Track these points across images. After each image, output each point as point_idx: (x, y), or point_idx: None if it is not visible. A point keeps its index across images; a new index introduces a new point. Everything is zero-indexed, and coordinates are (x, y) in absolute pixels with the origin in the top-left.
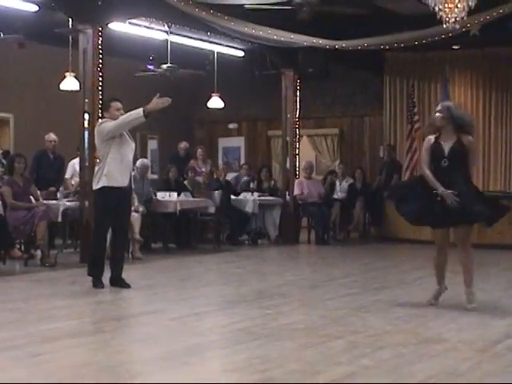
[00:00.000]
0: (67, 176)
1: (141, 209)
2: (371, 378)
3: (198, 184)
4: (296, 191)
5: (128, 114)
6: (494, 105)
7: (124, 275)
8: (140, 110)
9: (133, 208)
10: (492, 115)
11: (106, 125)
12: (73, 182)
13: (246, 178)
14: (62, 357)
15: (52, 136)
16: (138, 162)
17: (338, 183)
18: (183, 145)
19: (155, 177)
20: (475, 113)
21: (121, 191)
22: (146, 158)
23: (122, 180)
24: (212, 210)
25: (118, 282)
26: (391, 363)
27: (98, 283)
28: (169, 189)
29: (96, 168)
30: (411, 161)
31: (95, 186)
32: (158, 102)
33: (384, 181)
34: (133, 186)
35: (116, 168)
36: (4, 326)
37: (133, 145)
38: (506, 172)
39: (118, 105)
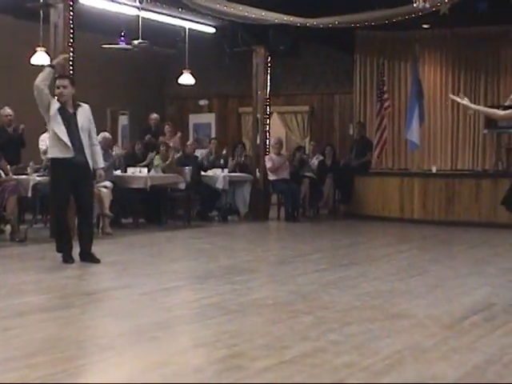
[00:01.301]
0: (42, 149)
1: (107, 183)
2: (339, 353)
3: (172, 160)
4: (268, 164)
5: (43, 72)
6: (462, 83)
7: (94, 250)
8: (46, 67)
9: (103, 183)
10: (461, 94)
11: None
12: (43, 157)
13: (211, 156)
14: (31, 331)
15: (7, 110)
16: (100, 136)
17: (307, 160)
18: (153, 116)
19: (124, 152)
20: (444, 92)
21: (73, 164)
22: (107, 132)
23: (67, 151)
24: (182, 186)
25: (87, 257)
26: (358, 338)
27: (67, 258)
28: (135, 162)
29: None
30: (381, 138)
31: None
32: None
33: (354, 158)
34: (102, 163)
35: (59, 140)
36: None
37: (80, 118)
38: (474, 149)
39: (58, 82)
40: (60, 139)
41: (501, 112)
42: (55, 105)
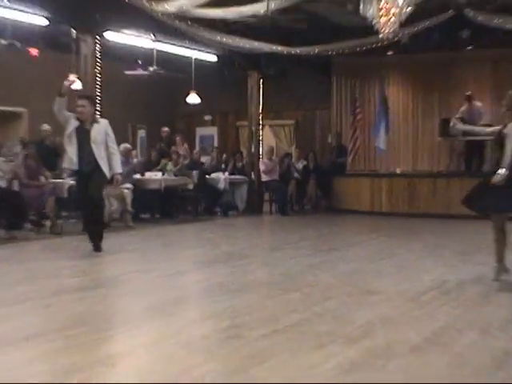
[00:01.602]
0: None
1: (129, 185)
2: (321, 323)
3: (181, 165)
4: (262, 168)
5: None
6: (420, 101)
7: (118, 241)
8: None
9: (125, 185)
10: (419, 109)
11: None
12: None
13: (213, 162)
14: (67, 307)
15: (46, 126)
16: (121, 146)
17: (293, 164)
18: (165, 129)
19: (143, 159)
20: (406, 107)
21: (82, 173)
22: (128, 144)
23: (72, 164)
24: (190, 186)
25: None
26: (337, 311)
27: (96, 248)
28: (151, 168)
29: None
30: (354, 145)
31: None
32: (64, 84)
33: (332, 162)
34: (120, 169)
35: (67, 154)
36: (20, 282)
37: (94, 133)
38: (431, 154)
39: (79, 102)
40: (67, 154)
41: (487, 129)
42: (73, 124)
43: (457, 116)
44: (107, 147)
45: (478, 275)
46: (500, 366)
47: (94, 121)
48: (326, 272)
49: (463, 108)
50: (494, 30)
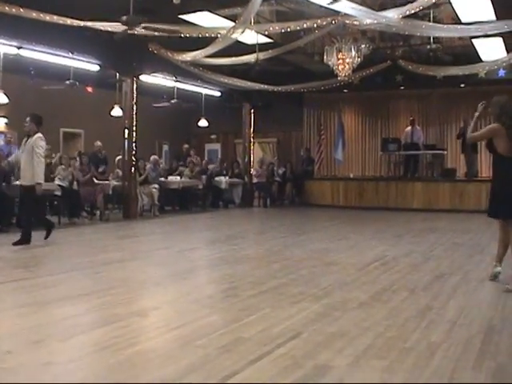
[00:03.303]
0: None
1: (156, 185)
2: (295, 286)
3: (196, 171)
4: (253, 173)
5: (40, 169)
6: (367, 125)
7: (148, 226)
8: (39, 180)
9: (153, 185)
10: (367, 132)
11: (43, 144)
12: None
13: (217, 169)
14: (112, 274)
15: (98, 143)
16: (151, 157)
17: (275, 171)
18: (185, 146)
19: (167, 167)
20: (357, 130)
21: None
22: (156, 155)
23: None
24: (201, 186)
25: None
26: (307, 277)
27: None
28: (173, 173)
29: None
30: (319, 157)
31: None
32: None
33: (303, 169)
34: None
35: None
36: (78, 255)
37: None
38: (375, 163)
39: (27, 119)
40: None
41: (475, 133)
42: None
43: (402, 137)
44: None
45: (408, 251)
46: (423, 316)
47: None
48: (298, 249)
49: (408, 129)
50: (419, 76)
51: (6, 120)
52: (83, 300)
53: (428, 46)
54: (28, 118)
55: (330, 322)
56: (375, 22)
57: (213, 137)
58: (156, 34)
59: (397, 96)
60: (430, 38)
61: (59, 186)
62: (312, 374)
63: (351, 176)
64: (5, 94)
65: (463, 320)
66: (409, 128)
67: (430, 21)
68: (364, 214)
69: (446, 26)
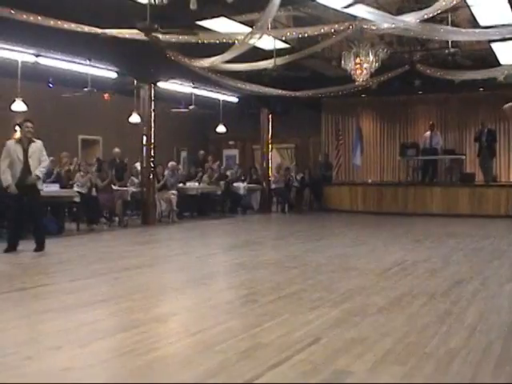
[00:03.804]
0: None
1: (174, 191)
2: (314, 291)
3: (214, 177)
4: (272, 178)
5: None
6: (385, 130)
7: (166, 232)
8: (7, 182)
9: (171, 191)
10: (385, 136)
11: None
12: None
13: (235, 175)
14: (131, 280)
15: (116, 150)
16: (169, 163)
17: (293, 177)
18: (201, 152)
19: (185, 173)
20: (375, 135)
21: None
22: (174, 161)
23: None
24: (219, 192)
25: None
26: (326, 282)
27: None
28: (191, 179)
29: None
30: (337, 163)
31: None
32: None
33: (322, 175)
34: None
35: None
36: (97, 261)
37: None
38: (393, 169)
39: (29, 124)
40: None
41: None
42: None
43: (421, 141)
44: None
45: (427, 256)
46: (442, 322)
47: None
48: (317, 254)
49: (427, 133)
50: (437, 80)
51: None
52: (102, 306)
53: (446, 50)
54: (30, 124)
55: (349, 327)
56: (393, 26)
57: (231, 143)
58: (173, 40)
59: (415, 100)
60: (448, 41)
61: (78, 192)
62: (331, 380)
63: (370, 181)
64: (23, 101)
65: (483, 326)
66: (428, 133)
67: (448, 24)
68: (383, 219)
69: (464, 30)
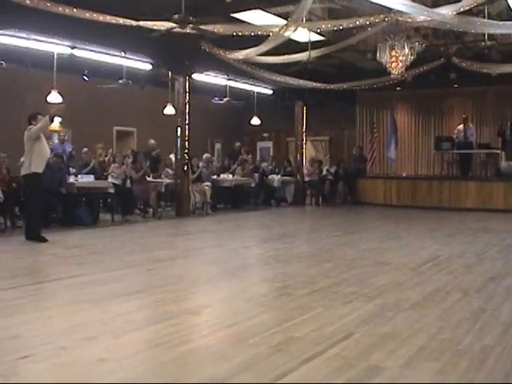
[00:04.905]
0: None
1: (208, 183)
2: (348, 285)
3: (247, 169)
4: (305, 171)
5: (44, 120)
6: (420, 123)
7: (200, 224)
8: (47, 117)
9: (205, 183)
10: (419, 129)
11: (33, 129)
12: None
13: (270, 167)
14: (165, 272)
15: (152, 141)
16: (204, 156)
17: (326, 169)
18: (237, 144)
19: (219, 165)
20: (410, 128)
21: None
22: (209, 153)
23: (42, 167)
24: (253, 184)
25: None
26: (360, 277)
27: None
28: (225, 171)
29: (24, 158)
30: (372, 156)
31: (26, 172)
32: (55, 109)
33: (356, 168)
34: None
35: (40, 159)
36: (132, 252)
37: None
38: (428, 162)
39: (40, 117)
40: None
41: None
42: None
43: (455, 134)
44: None
45: (462, 251)
46: (476, 318)
47: None
48: (351, 248)
49: (460, 126)
50: (473, 73)
51: (60, 119)
52: (136, 297)
53: (483, 43)
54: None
55: (382, 322)
56: (429, 19)
57: (265, 135)
58: (215, 30)
59: (450, 94)
60: (484, 34)
61: (112, 183)
62: (364, 375)
63: (404, 175)
64: (59, 93)
65: None
66: (461, 126)
67: (484, 17)
68: (417, 214)
69: (501, 23)
